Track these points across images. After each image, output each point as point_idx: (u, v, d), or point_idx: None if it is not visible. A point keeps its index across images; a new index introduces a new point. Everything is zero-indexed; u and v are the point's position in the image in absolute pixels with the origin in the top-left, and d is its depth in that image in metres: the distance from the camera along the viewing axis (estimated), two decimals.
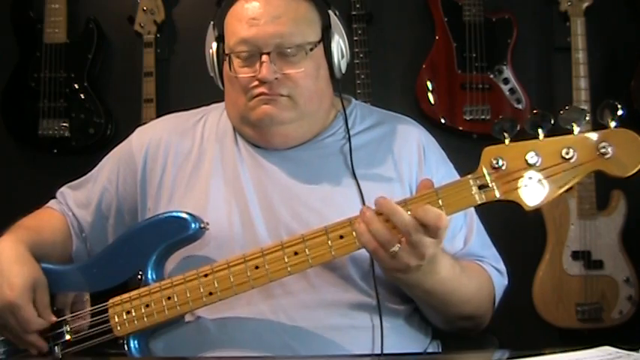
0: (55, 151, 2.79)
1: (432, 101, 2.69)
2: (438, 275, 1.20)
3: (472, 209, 1.37)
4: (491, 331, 1.41)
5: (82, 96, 2.76)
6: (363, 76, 2.62)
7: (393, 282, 1.30)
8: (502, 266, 1.41)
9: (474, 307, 1.32)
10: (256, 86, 1.32)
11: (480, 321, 1.36)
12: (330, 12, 1.37)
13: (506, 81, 2.66)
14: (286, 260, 1.19)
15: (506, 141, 1.13)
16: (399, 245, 1.12)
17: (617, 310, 2.48)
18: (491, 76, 2.66)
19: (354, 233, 1.17)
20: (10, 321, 1.28)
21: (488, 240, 1.43)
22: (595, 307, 2.49)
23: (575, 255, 2.51)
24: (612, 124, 1.10)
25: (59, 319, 1.31)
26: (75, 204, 1.50)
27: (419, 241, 1.12)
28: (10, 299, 1.26)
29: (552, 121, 1.11)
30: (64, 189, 1.53)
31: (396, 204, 1.13)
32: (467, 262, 1.35)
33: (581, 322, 2.49)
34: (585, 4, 2.57)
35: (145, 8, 2.75)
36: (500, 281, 1.40)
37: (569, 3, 2.58)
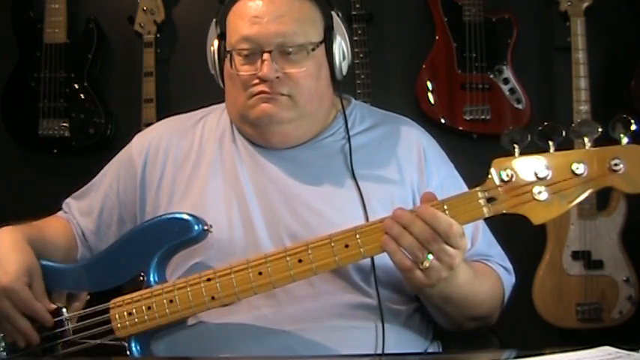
0: (55, 151, 2.79)
1: (432, 101, 2.69)
2: (455, 280, 1.19)
3: None
4: (492, 331, 1.41)
5: (82, 96, 2.76)
6: (363, 76, 2.62)
7: (394, 283, 1.31)
8: (509, 264, 1.42)
9: (486, 309, 1.33)
10: (257, 84, 1.32)
11: (489, 320, 1.36)
12: (333, 13, 1.37)
13: (506, 81, 2.66)
14: (290, 267, 1.18)
15: (516, 153, 1.12)
16: (429, 259, 1.12)
17: (617, 310, 2.48)
18: (491, 76, 2.66)
19: (359, 242, 1.16)
20: (6, 307, 1.27)
21: (493, 238, 1.44)
22: (595, 307, 2.49)
23: (575, 255, 2.51)
24: (625, 140, 1.08)
25: (59, 318, 1.30)
26: (79, 213, 1.50)
27: (443, 250, 1.12)
28: (4, 284, 1.26)
29: (563, 134, 1.10)
30: (68, 200, 1.55)
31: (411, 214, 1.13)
32: (477, 264, 1.35)
33: (581, 322, 2.49)
34: (585, 4, 2.57)
35: (145, 8, 2.75)
36: (509, 280, 1.40)
37: (569, 3, 2.58)
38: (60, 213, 1.54)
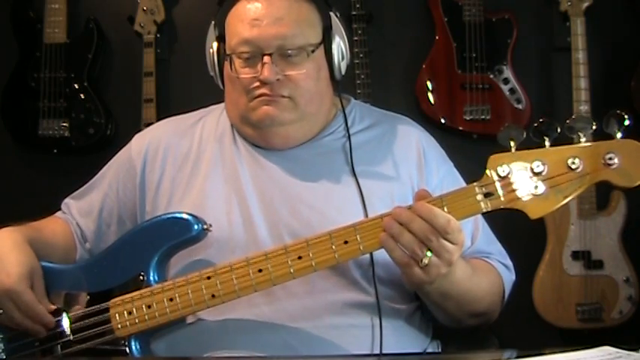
0: (55, 151, 2.79)
1: (432, 101, 2.69)
2: (453, 276, 1.20)
3: None
4: (492, 331, 1.41)
5: (82, 96, 2.76)
6: (363, 76, 2.62)
7: (394, 281, 1.31)
8: (509, 261, 1.42)
9: (486, 305, 1.33)
10: (258, 87, 1.32)
11: (490, 317, 1.37)
12: (331, 13, 1.38)
13: (506, 81, 2.66)
14: (290, 264, 1.19)
15: (512, 149, 1.13)
16: (429, 256, 1.13)
17: (617, 310, 2.48)
18: (491, 76, 2.66)
19: (358, 238, 1.17)
20: (9, 308, 1.27)
21: (493, 236, 1.44)
22: (595, 307, 2.49)
23: (575, 255, 2.51)
24: (619, 134, 1.10)
25: (58, 317, 1.30)
26: (78, 213, 1.50)
27: (442, 246, 1.12)
28: (7, 286, 1.26)
29: (558, 130, 1.12)
30: (67, 200, 1.54)
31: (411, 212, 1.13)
32: (476, 261, 1.35)
33: (581, 322, 2.49)
34: (585, 4, 2.57)
35: (145, 8, 2.75)
36: (509, 277, 1.41)
37: (569, 3, 2.58)
38: (59, 213, 1.54)
